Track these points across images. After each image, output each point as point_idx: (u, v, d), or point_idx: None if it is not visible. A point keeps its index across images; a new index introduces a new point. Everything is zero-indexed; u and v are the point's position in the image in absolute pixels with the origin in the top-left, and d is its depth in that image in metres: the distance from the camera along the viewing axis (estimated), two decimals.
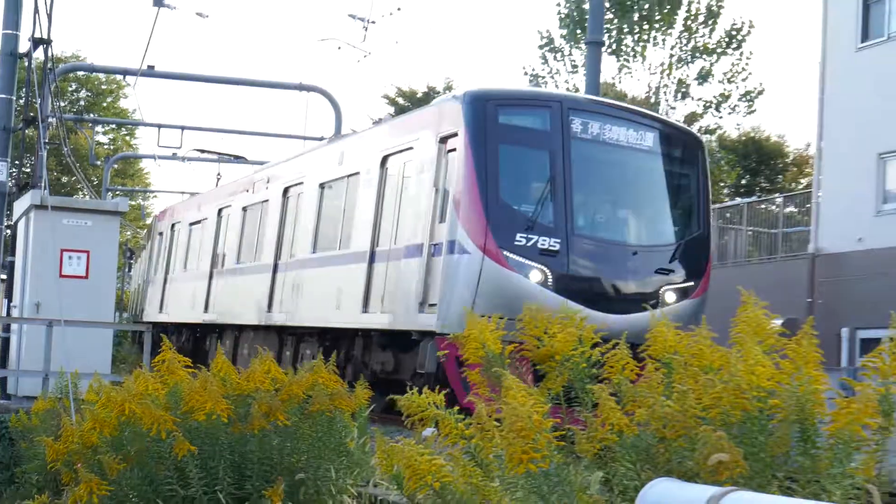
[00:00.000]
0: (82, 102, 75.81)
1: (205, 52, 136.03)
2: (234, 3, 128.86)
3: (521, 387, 6.02)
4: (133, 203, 76.92)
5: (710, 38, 41.81)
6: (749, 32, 41.83)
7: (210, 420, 8.60)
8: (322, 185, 22.51)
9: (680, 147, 18.10)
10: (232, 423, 8.77)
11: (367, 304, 18.69)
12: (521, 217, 16.18)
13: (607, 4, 36.96)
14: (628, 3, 41.17)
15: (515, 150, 16.71)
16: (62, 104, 47.39)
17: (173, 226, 36.24)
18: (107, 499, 8.70)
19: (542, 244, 15.98)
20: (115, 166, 71.24)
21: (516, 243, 15.89)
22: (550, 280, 15.87)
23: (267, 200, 25.82)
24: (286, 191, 24.61)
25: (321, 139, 38.16)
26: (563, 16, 42.77)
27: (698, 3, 41.29)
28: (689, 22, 41.49)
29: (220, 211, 30.36)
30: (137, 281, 49.38)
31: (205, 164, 53.75)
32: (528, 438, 5.46)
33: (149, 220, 73.82)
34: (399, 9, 66.17)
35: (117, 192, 64.55)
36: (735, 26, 41.67)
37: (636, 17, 41.78)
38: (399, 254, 17.96)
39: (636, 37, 41.98)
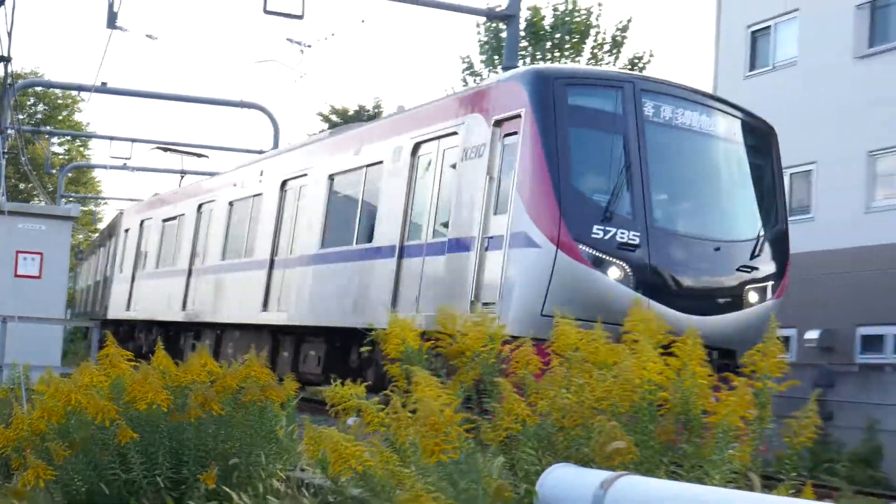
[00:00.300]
0: (40, 115, 74.82)
1: (154, 70, 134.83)
2: (182, 27, 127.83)
3: (432, 381, 6.02)
4: (85, 209, 76.14)
5: (614, 65, 42.07)
6: (650, 61, 42.05)
7: (150, 409, 8.49)
8: (332, 177, 19.53)
9: (754, 135, 15.27)
10: (171, 413, 8.68)
11: (395, 303, 15.71)
12: (597, 207, 13.44)
13: (522, 33, 37.08)
14: (541, 32, 41.30)
15: (587, 134, 13.96)
16: (21, 117, 46.77)
17: (143, 222, 32.66)
18: (52, 483, 8.58)
19: (621, 237, 13.33)
20: (70, 175, 70.49)
21: (593, 236, 13.25)
22: (631, 277, 13.27)
23: (260, 194, 22.70)
24: (284, 184, 21.53)
25: (260, 152, 37.91)
26: (482, 43, 42.84)
27: (604, 33, 41.55)
28: (595, 50, 41.71)
29: (200, 206, 27.03)
30: (88, 280, 48.17)
31: (151, 173, 53.33)
32: (440, 432, 5.45)
33: (100, 225, 73.05)
34: (333, 34, 65.99)
35: (70, 199, 63.88)
36: (637, 55, 41.94)
37: (548, 45, 41.95)
38: (440, 248, 15.16)
39: (548, 63, 42.17)
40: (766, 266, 14.34)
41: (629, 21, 41.51)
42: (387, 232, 16.69)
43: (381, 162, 17.54)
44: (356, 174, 18.62)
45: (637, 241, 13.33)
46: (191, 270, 26.39)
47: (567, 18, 41.07)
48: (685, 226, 14.32)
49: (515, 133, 13.97)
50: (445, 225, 15.21)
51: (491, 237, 14.04)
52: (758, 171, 15.09)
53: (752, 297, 14.00)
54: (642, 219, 13.48)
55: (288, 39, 36.51)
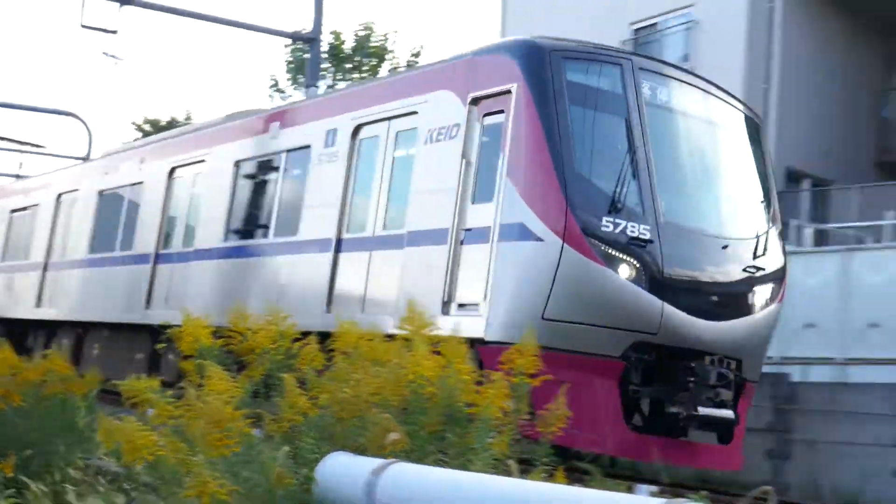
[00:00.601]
0: None
1: None
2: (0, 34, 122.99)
3: (223, 376, 5.93)
4: None
5: None
6: None
7: None
8: (238, 164, 16.31)
9: (750, 125, 12.84)
10: None
11: (331, 302, 13.00)
12: (604, 197, 10.85)
13: (325, 55, 37.14)
14: (342, 55, 41.46)
15: (588, 115, 11.31)
16: None
17: None
18: None
19: (632, 231, 10.78)
20: None
21: (603, 229, 10.66)
22: (643, 276, 10.79)
23: (140, 183, 19.33)
24: (173, 171, 18.26)
25: (82, 159, 36.73)
26: (288, 62, 42.70)
27: (398, 58, 41.97)
28: (391, 72, 42.09)
29: (59, 196, 23.28)
30: None
31: None
32: (221, 427, 5.38)
33: None
34: (148, 50, 64.78)
35: None
36: None
37: (349, 66, 42.06)
38: (395, 242, 12.42)
39: (349, 83, 42.26)
40: (772, 267, 12.11)
41: (422, 48, 42.12)
42: (318, 224, 13.89)
43: (307, 146, 14.57)
44: (272, 160, 15.62)
45: (648, 235, 10.90)
46: (47, 265, 22.90)
47: (366, 43, 41.42)
48: (692, 220, 11.70)
49: (501, 111, 11.47)
50: (401, 216, 12.57)
51: (469, 229, 11.47)
52: (754, 163, 12.74)
53: (760, 300, 11.80)
54: (651, 211, 11.06)
55: (104, 53, 35.48)
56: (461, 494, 4.68)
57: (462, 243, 11.45)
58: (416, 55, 41.72)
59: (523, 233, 10.78)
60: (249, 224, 15.94)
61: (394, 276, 12.19)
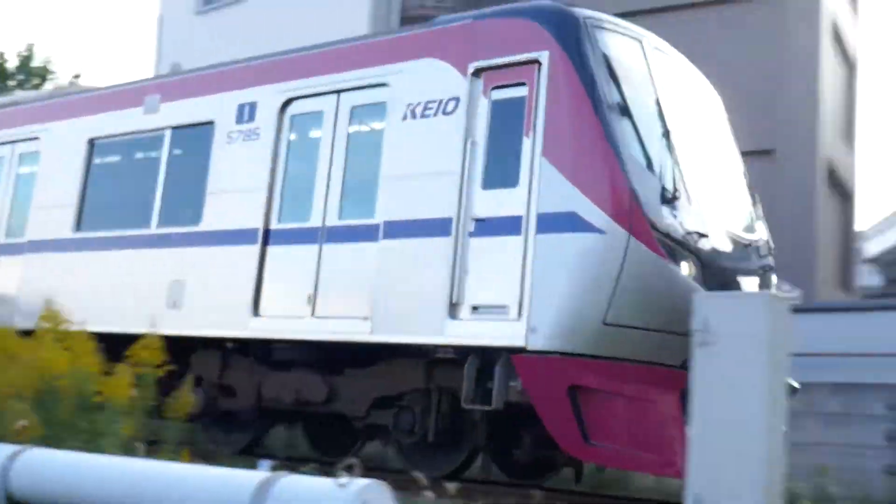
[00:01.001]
0: None
1: None
2: None
3: None
4: None
5: None
6: None
7: None
8: (93, 142, 12.82)
9: (723, 111, 10.70)
10: None
11: (258, 305, 10.11)
12: (658, 183, 8.54)
13: None
14: (6, 73, 39.46)
15: (626, 92, 8.90)
16: None
17: None
18: None
19: (688, 223, 8.60)
20: None
21: (665, 220, 8.40)
22: (702, 275, 8.59)
23: None
24: None
25: None
26: None
27: (60, 78, 40.46)
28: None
29: None
30: None
31: None
32: None
33: None
34: None
35: None
36: None
37: (13, 83, 39.98)
38: (362, 233, 9.67)
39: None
40: (773, 263, 10.21)
41: (81, 71, 40.92)
42: (232, 212, 10.89)
43: (208, 123, 11.56)
44: (150, 138, 12.28)
45: (702, 228, 8.80)
46: None
47: (28, 63, 39.90)
48: (719, 213, 9.47)
49: (521, 84, 9.06)
50: (368, 203, 9.85)
51: (481, 219, 8.96)
52: (740, 155, 10.68)
53: None
54: (696, 201, 8.93)
55: None
56: (83, 474, 4.68)
57: (471, 235, 9.00)
58: (77, 77, 40.51)
59: (575, 223, 8.37)
60: (116, 212, 12.45)
61: (363, 274, 9.51)
